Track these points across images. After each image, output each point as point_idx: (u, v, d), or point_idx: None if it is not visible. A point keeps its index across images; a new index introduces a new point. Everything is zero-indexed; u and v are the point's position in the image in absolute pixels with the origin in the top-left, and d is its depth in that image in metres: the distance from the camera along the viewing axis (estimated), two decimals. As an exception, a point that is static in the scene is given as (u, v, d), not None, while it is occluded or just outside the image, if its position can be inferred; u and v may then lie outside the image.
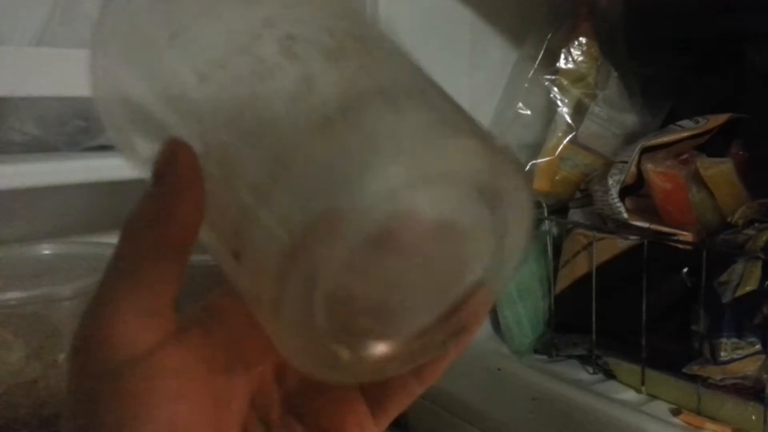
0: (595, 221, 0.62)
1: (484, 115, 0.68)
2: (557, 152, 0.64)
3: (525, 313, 0.66)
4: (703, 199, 0.53)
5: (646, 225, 0.55)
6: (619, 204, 0.56)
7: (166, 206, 0.19)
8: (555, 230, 0.69)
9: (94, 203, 0.47)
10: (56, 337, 0.36)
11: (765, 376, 0.46)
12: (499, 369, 0.63)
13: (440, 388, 0.61)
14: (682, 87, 0.68)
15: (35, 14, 0.35)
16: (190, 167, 0.18)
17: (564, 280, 0.64)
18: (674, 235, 0.54)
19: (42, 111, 0.38)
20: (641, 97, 0.68)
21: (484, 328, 0.71)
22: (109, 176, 0.39)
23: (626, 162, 0.57)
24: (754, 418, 0.47)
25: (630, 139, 0.65)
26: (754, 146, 0.53)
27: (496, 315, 0.69)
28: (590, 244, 0.60)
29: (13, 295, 0.34)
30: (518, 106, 0.66)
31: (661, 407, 0.54)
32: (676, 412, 0.53)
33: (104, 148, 0.40)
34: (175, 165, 0.18)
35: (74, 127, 0.38)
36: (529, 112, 0.66)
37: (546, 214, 0.67)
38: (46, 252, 0.41)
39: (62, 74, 0.34)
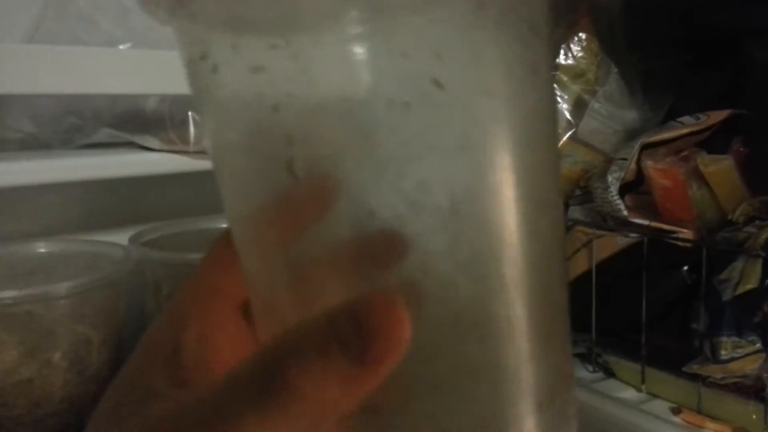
0: (595, 219, 0.61)
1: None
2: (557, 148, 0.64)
3: (525, 311, 0.66)
4: (704, 196, 0.53)
5: (646, 222, 0.55)
6: (618, 201, 0.56)
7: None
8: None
9: (89, 201, 0.46)
10: (51, 336, 0.36)
11: (765, 375, 0.46)
12: (498, 367, 0.63)
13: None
14: (683, 83, 0.67)
15: (27, 11, 0.35)
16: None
17: (564, 278, 0.64)
18: (674, 232, 0.53)
19: (37, 109, 0.38)
20: (642, 93, 0.67)
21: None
22: (105, 174, 0.38)
23: (626, 159, 0.56)
24: (754, 417, 0.47)
25: (630, 135, 0.64)
26: (755, 143, 0.52)
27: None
28: (590, 241, 0.60)
29: (8, 293, 0.34)
30: (518, 102, 0.66)
31: (662, 406, 0.54)
32: (676, 411, 0.52)
33: (99, 145, 0.39)
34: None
35: (69, 125, 0.38)
36: (528, 109, 0.66)
37: (546, 212, 0.67)
38: (42, 250, 0.41)
39: (56, 71, 0.34)
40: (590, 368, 0.60)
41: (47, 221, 0.45)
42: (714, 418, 0.50)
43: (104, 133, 0.38)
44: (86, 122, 0.38)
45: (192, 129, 0.40)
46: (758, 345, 0.46)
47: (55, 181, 0.37)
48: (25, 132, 0.38)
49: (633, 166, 0.55)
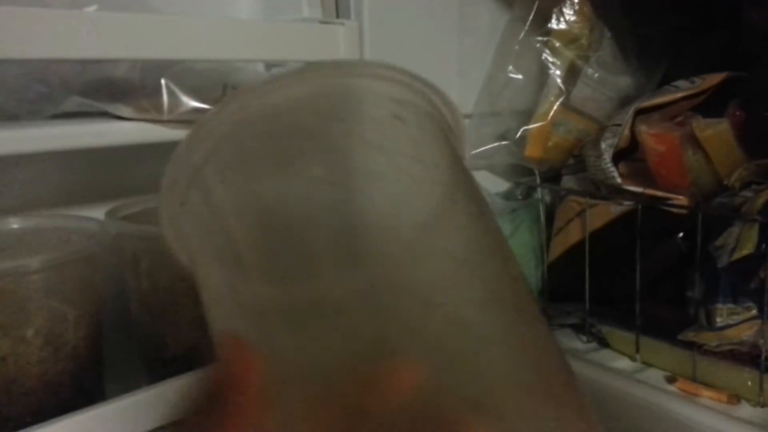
0: (589, 188, 0.60)
1: (473, 81, 0.66)
2: (549, 117, 0.62)
3: (518, 282, 0.65)
4: (699, 161, 0.51)
5: (640, 190, 0.54)
6: (612, 169, 0.54)
7: None
8: (548, 198, 0.67)
9: (62, 176, 0.45)
10: (24, 312, 0.34)
11: (761, 341, 0.45)
12: (491, 340, 0.62)
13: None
14: (678, 47, 0.66)
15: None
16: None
17: (557, 249, 0.63)
18: (669, 199, 0.52)
19: (0, 77, 0.37)
20: (636, 58, 0.66)
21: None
22: (76, 144, 0.37)
23: (620, 125, 0.55)
24: (749, 383, 0.46)
25: (624, 102, 0.63)
26: (751, 106, 0.51)
27: (489, 285, 0.67)
28: (583, 210, 0.59)
29: (-25, 269, 0.32)
30: (509, 70, 0.64)
31: (656, 375, 0.53)
32: (671, 380, 0.52)
33: (69, 115, 0.38)
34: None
35: (36, 94, 0.36)
36: (520, 77, 0.64)
37: (538, 182, 0.66)
38: (14, 226, 0.40)
39: (18, 35, 0.32)
40: (584, 339, 0.60)
41: (19, 197, 0.43)
42: (709, 385, 0.49)
43: (74, 102, 0.36)
44: (54, 90, 0.36)
45: (165, 97, 0.38)
46: (754, 311, 0.45)
47: (25, 152, 0.36)
48: (-10, 101, 0.37)
49: (627, 132, 0.54)
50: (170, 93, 0.38)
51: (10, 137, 0.34)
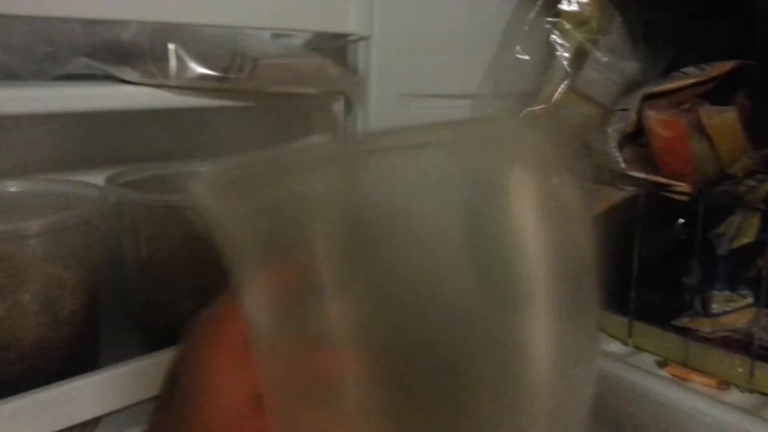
0: (592, 173, 0.60)
1: (480, 60, 0.65)
2: (553, 99, 0.62)
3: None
4: (704, 149, 0.51)
5: (643, 175, 0.53)
6: (617, 154, 0.54)
7: None
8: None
9: (64, 139, 0.44)
10: (21, 276, 0.34)
11: (755, 329, 0.46)
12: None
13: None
14: (687, 35, 0.65)
15: None
16: None
17: (555, 232, 0.63)
18: (672, 185, 0.52)
19: (5, 34, 0.36)
20: (644, 44, 0.65)
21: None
22: (80, 106, 0.36)
23: (627, 109, 0.55)
24: (740, 370, 0.47)
25: (630, 88, 0.62)
26: (759, 95, 0.50)
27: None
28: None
29: (-24, 230, 0.32)
30: (516, 50, 0.64)
31: (648, 359, 0.54)
32: (662, 364, 0.52)
33: (74, 77, 0.37)
34: None
35: (41, 54, 0.36)
36: (527, 57, 0.64)
37: (540, 164, 0.65)
38: (13, 189, 0.39)
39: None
40: (578, 322, 0.60)
41: (18, 160, 0.42)
42: (700, 371, 0.50)
43: (80, 63, 0.36)
44: (60, 51, 0.35)
45: (172, 62, 0.37)
46: (750, 299, 0.45)
47: (27, 112, 0.35)
48: (-7, 60, 0.36)
49: (634, 117, 0.54)
50: (178, 58, 0.37)
51: (11, 96, 0.34)
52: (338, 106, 0.56)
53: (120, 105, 0.37)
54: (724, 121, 0.49)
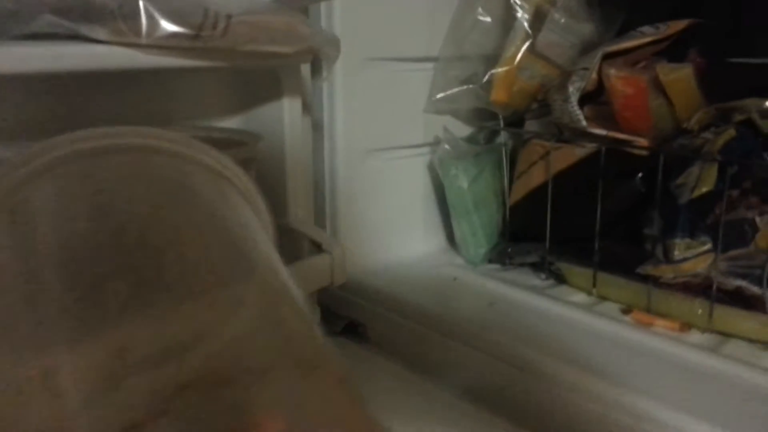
0: (552, 131, 0.62)
1: (441, 22, 0.66)
2: (516, 62, 0.63)
3: (480, 224, 0.67)
4: (661, 105, 0.53)
5: (604, 132, 0.56)
6: (578, 112, 0.56)
7: None
8: (511, 142, 0.69)
9: (30, 104, 0.42)
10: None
11: (713, 273, 0.49)
12: (455, 278, 0.64)
13: (397, 297, 0.62)
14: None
15: None
16: None
17: (519, 191, 0.65)
18: (632, 141, 0.54)
19: (-39, -9, 0.34)
20: (598, 6, 0.67)
21: (439, 241, 0.72)
22: (46, 66, 0.35)
23: (587, 69, 0.56)
24: (700, 312, 0.50)
25: (587, 49, 0.64)
26: (712, 52, 0.53)
27: (451, 227, 0.69)
28: (547, 153, 0.60)
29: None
30: (478, 12, 0.64)
31: (612, 307, 0.56)
32: (626, 311, 0.55)
33: (39, 36, 0.35)
34: None
35: (2, 11, 0.34)
36: (489, 19, 0.64)
37: (502, 126, 0.67)
38: (-22, 155, 0.37)
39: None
40: (543, 276, 0.62)
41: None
42: (662, 316, 0.53)
43: (45, 21, 0.34)
44: (23, 8, 0.34)
45: (144, 19, 0.36)
46: (709, 245, 0.48)
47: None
48: (-52, 18, 0.34)
49: (594, 75, 0.55)
50: (149, 16, 0.36)
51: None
52: (306, 69, 0.55)
53: (89, 65, 0.36)
54: (680, 77, 0.51)
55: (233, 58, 0.42)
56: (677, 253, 0.49)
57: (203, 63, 0.40)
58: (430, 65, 0.66)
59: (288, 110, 0.52)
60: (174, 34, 0.37)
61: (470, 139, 0.71)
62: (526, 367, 0.56)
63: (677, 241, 0.49)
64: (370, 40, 0.62)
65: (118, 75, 0.42)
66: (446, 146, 0.65)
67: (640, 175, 0.55)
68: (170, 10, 0.37)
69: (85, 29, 0.35)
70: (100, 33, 0.35)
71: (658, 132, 0.54)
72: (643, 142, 0.54)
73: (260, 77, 0.51)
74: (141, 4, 0.36)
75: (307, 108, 0.56)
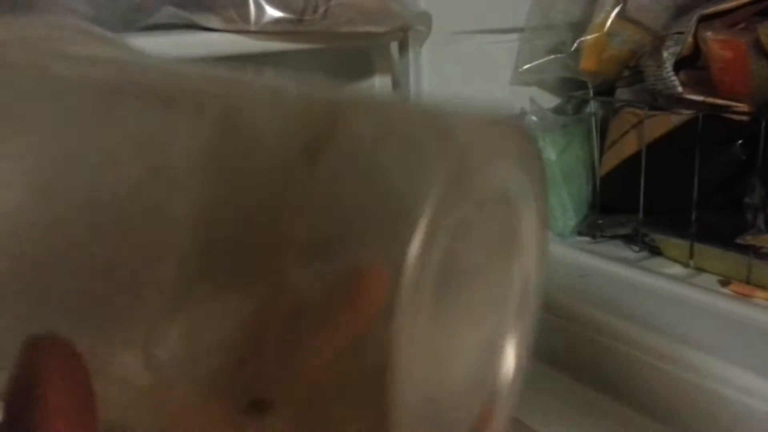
0: (645, 99, 0.60)
1: (527, -9, 0.65)
2: (605, 28, 0.62)
3: (569, 196, 0.66)
4: (763, 67, 0.51)
5: (701, 98, 0.54)
6: (674, 77, 0.54)
7: None
8: (600, 112, 0.67)
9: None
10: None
11: (822, 241, 0.47)
12: (544, 251, 0.64)
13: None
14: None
15: None
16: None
17: (610, 161, 0.64)
18: (731, 107, 0.52)
19: (92, -12, 0.37)
20: (693, -34, 0.64)
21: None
22: (170, 54, 0.38)
23: (682, 33, 0.54)
24: (806, 283, 0.48)
25: (680, 12, 0.62)
26: (822, 8, 0.50)
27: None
28: (640, 122, 0.59)
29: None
30: (564, -21, 0.63)
31: (710, 279, 0.55)
32: (724, 283, 0.54)
33: (159, 27, 0.39)
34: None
35: (127, 4, 0.37)
36: (575, -14, 0.63)
37: (591, 95, 0.66)
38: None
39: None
40: (635, 248, 0.61)
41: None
42: (763, 287, 0.51)
43: (166, 12, 0.37)
44: (146, 1, 0.37)
45: (252, 8, 0.38)
46: (817, 213, 0.46)
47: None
48: (82, 14, 0.37)
49: (690, 39, 0.54)
50: (256, 3, 0.38)
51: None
52: (394, 46, 0.56)
53: (205, 52, 0.39)
54: (786, 37, 0.49)
55: (331, 39, 0.44)
56: (782, 222, 0.47)
57: (305, 45, 0.43)
58: (515, 36, 0.66)
59: (379, 88, 0.53)
60: (279, 20, 0.39)
61: (558, 110, 0.70)
62: (620, 338, 0.56)
63: (782, 208, 0.47)
64: (456, 13, 0.62)
65: (224, 59, 0.45)
66: (533, 118, 0.65)
67: (740, 141, 0.53)
68: (275, -3, 0.39)
69: (200, 18, 0.38)
70: (213, 21, 0.38)
71: (760, 96, 0.51)
72: (743, 107, 0.52)
73: (352, 56, 0.53)
74: (249, -8, 0.38)
75: (396, 84, 0.58)
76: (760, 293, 0.51)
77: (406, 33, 0.49)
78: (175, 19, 0.38)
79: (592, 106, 0.67)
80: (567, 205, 0.66)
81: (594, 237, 0.65)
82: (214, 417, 0.14)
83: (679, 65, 0.55)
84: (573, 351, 0.56)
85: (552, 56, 0.65)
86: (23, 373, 0.12)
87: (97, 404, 0.13)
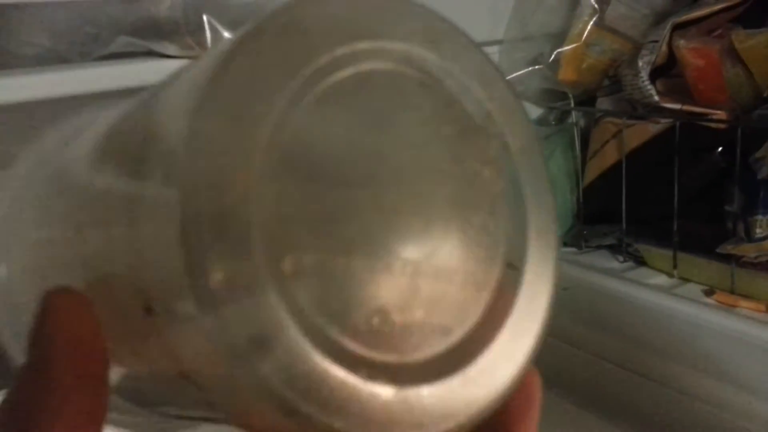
0: (625, 108, 0.60)
1: (506, 4, 0.65)
2: (583, 38, 0.61)
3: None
4: (738, 74, 0.51)
5: (678, 106, 0.53)
6: (650, 86, 0.54)
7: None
8: (582, 122, 0.67)
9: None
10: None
11: (801, 250, 0.46)
12: (528, 263, 0.64)
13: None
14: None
15: None
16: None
17: (592, 171, 0.63)
18: (707, 114, 0.52)
19: (52, 21, 0.38)
20: (671, -28, 0.64)
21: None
22: (124, 84, 0.38)
23: (657, 41, 0.54)
24: (788, 292, 0.47)
25: (659, 19, 0.61)
26: (794, 13, 0.49)
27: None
28: (620, 131, 0.59)
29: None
30: (541, -10, 0.63)
31: (694, 289, 0.54)
32: (709, 293, 0.53)
33: (117, 56, 0.39)
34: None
35: (84, 36, 0.37)
36: (552, -4, 0.63)
37: (572, 105, 0.65)
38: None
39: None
40: (620, 258, 0.61)
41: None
42: (747, 297, 0.50)
43: (122, 42, 0.37)
44: (102, 31, 0.37)
45: (208, 33, 0.39)
46: (794, 221, 0.45)
47: (74, 94, 0.37)
48: (41, 46, 0.38)
49: (664, 47, 0.53)
50: (212, 29, 0.38)
51: (61, 79, 0.36)
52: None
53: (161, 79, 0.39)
54: (758, 43, 0.48)
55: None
56: (759, 231, 0.46)
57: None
58: (494, 49, 0.66)
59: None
60: (236, 44, 0.39)
61: (540, 121, 0.70)
62: (606, 355, 0.56)
63: (759, 218, 0.46)
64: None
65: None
66: (514, 130, 0.65)
67: (719, 149, 0.52)
68: (230, 21, 0.39)
69: (157, 46, 0.38)
70: (170, 49, 0.38)
71: (736, 103, 0.51)
72: (720, 114, 0.51)
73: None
74: (204, 18, 0.38)
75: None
76: (744, 303, 0.50)
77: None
78: (131, 47, 0.38)
79: (574, 117, 0.67)
80: (551, 216, 0.66)
81: (579, 248, 0.64)
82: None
83: (656, 74, 0.55)
84: (556, 367, 0.55)
85: (531, 68, 0.65)
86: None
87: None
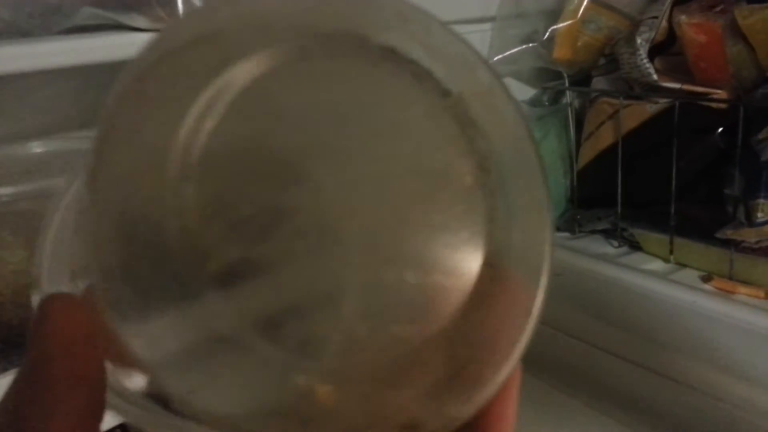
0: (621, 88, 0.58)
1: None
2: (579, 14, 0.59)
3: (546, 190, 0.64)
4: (740, 51, 0.48)
5: (677, 86, 0.51)
6: (648, 65, 0.52)
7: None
8: (576, 103, 0.65)
9: (82, 96, 0.44)
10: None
11: (804, 235, 0.44)
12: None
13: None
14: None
15: None
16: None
17: (587, 154, 0.61)
18: (708, 94, 0.50)
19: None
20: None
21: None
22: (92, 58, 0.35)
23: (656, 17, 0.52)
24: (789, 278, 0.46)
25: (657, -6, 0.59)
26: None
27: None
28: (616, 112, 0.57)
29: (4, 191, 0.32)
30: (535, -35, 0.60)
31: (691, 275, 0.53)
32: (706, 279, 0.51)
33: (82, 29, 0.36)
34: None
35: (44, 7, 0.35)
36: (547, -28, 0.60)
37: (567, 85, 0.63)
38: (37, 150, 0.39)
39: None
40: (615, 243, 0.59)
41: (40, 120, 0.42)
42: (746, 282, 0.49)
43: (86, 13, 0.35)
44: (65, 2, 0.34)
45: (180, 4, 0.36)
46: (798, 205, 0.43)
47: (40, 68, 0.34)
48: (1, 19, 0.35)
49: (664, 23, 0.51)
50: (184, 0, 0.36)
51: (19, 53, 0.33)
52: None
53: (132, 54, 0.36)
54: (761, 18, 0.46)
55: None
56: (761, 215, 0.44)
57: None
58: (487, 26, 0.63)
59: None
60: (211, 17, 0.37)
61: (533, 102, 0.67)
62: (600, 343, 0.54)
63: (760, 201, 0.44)
64: (424, 3, 0.59)
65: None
66: (507, 111, 0.63)
67: (719, 130, 0.50)
68: (205, -8, 0.36)
69: (125, 18, 0.36)
70: (139, 21, 0.36)
71: (738, 82, 0.49)
72: (721, 94, 0.49)
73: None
74: (176, -12, 0.36)
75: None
76: (742, 289, 0.49)
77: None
78: (97, 20, 0.35)
79: (568, 97, 0.64)
80: (545, 200, 0.64)
81: (573, 232, 0.62)
82: None
83: (654, 51, 0.53)
84: (547, 354, 0.54)
85: (525, 46, 0.62)
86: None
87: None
